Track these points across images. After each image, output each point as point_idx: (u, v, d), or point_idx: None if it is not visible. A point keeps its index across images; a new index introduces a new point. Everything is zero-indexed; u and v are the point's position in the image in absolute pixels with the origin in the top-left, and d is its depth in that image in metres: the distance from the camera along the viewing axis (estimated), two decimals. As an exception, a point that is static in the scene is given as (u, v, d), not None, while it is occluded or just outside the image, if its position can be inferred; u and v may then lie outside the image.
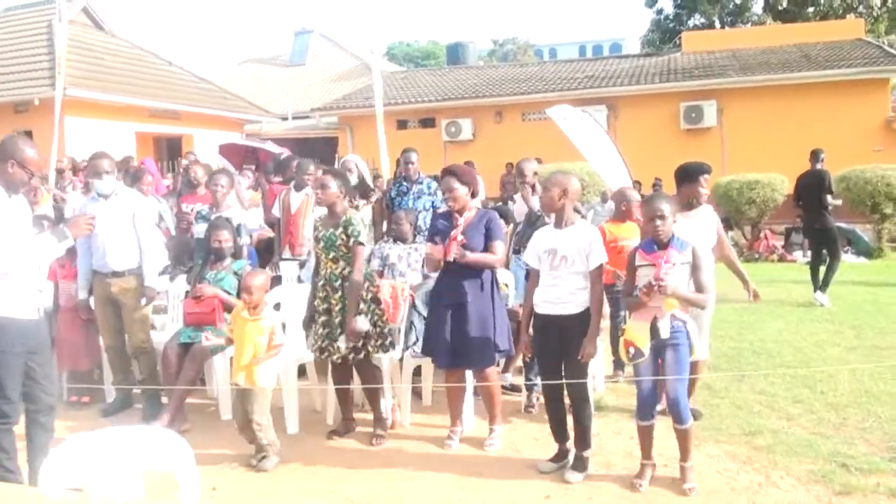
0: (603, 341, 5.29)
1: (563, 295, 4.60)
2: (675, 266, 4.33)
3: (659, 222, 4.36)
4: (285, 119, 25.06)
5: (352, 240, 5.16)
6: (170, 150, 21.37)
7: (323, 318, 5.23)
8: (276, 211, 7.70)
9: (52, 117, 12.58)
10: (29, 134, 11.28)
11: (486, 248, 5.00)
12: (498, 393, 5.29)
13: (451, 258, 4.87)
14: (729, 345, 7.68)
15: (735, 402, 5.86)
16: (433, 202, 7.61)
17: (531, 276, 4.87)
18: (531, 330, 5.09)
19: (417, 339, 5.73)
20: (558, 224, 4.74)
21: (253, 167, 10.63)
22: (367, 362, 5.30)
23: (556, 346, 4.65)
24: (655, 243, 4.43)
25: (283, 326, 5.71)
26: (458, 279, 4.99)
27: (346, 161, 7.71)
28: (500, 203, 14.82)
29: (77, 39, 18.63)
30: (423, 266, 6.36)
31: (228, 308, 5.89)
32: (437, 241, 5.04)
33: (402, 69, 35.69)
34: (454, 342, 5.00)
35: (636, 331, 4.39)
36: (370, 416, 5.47)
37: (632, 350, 4.40)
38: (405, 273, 6.52)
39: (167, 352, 5.69)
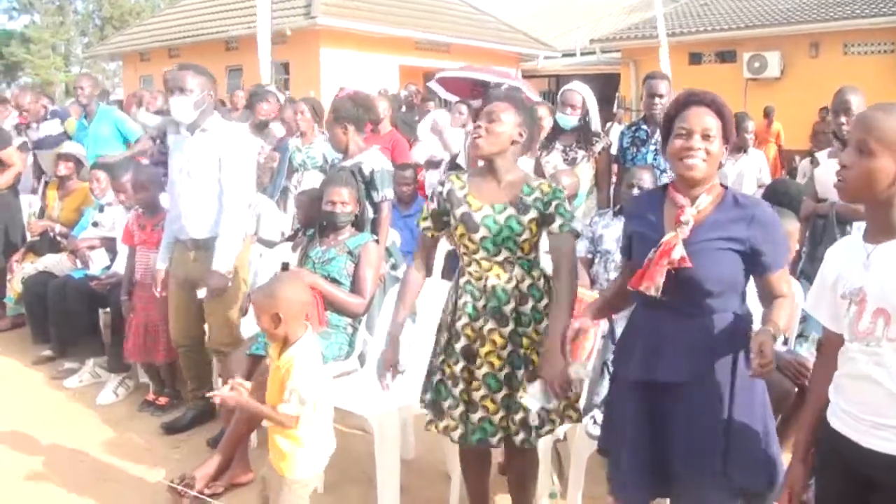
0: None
1: (885, 404, 1.96)
2: None
3: None
4: (571, 55, 22.62)
5: (557, 224, 2.86)
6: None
7: (464, 370, 2.94)
8: (461, 160, 5.58)
9: (308, 48, 11.48)
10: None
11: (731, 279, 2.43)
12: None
13: (649, 292, 2.41)
14: None
15: None
16: (683, 158, 5.05)
17: (822, 347, 2.30)
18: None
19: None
20: (876, 231, 2.06)
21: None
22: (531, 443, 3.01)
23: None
24: None
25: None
26: (670, 327, 2.46)
27: (568, 92, 5.33)
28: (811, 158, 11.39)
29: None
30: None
31: (335, 307, 3.92)
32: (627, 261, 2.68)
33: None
34: (658, 454, 2.49)
35: None
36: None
37: None
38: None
39: (230, 364, 3.84)
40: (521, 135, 2.93)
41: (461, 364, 2.92)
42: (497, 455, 3.30)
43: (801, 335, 4.10)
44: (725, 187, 2.51)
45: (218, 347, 4.14)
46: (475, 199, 2.92)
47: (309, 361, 2.77)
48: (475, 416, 2.90)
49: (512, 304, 2.88)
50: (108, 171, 5.40)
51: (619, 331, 3.49)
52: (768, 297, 2.41)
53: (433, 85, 9.51)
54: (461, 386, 2.92)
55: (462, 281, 2.99)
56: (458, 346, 2.95)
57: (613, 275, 4.33)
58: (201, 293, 3.97)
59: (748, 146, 6.32)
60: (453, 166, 6.33)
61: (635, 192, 4.31)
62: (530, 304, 2.88)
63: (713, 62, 18.33)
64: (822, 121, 15.29)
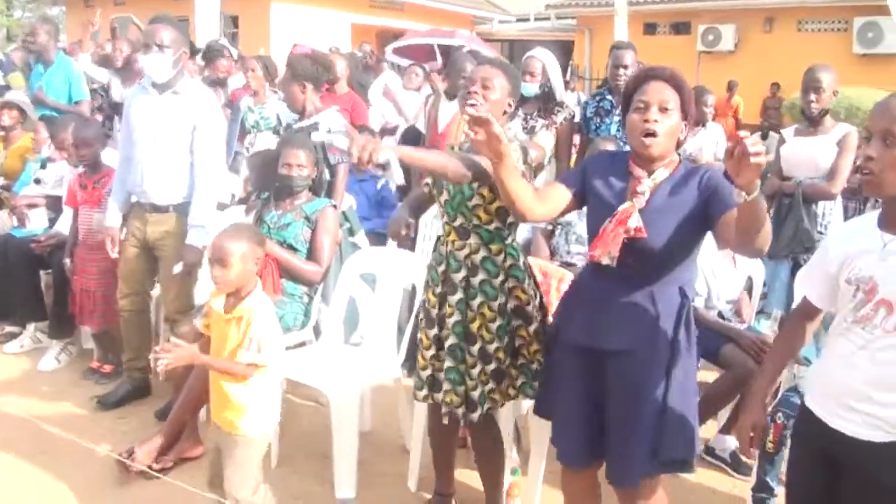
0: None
1: (880, 391, 1.93)
2: None
3: None
4: (524, 20, 22.41)
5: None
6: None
7: (449, 341, 2.83)
8: (421, 126, 5.43)
9: (259, 1, 11.08)
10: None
11: (690, 239, 2.42)
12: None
13: (603, 261, 2.38)
14: None
15: None
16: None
17: (794, 316, 2.34)
18: (781, 416, 2.95)
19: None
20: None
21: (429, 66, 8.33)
22: (491, 416, 2.97)
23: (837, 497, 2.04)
24: None
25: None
26: (617, 296, 2.44)
27: (529, 59, 5.19)
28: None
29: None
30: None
31: (291, 275, 3.79)
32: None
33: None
34: (592, 423, 2.48)
35: None
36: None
37: None
38: (584, 253, 4.06)
39: (180, 331, 3.63)
40: (510, 105, 2.84)
41: (427, 328, 2.88)
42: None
43: (761, 312, 4.11)
44: (681, 159, 2.49)
45: (173, 315, 3.96)
46: None
47: (267, 313, 2.68)
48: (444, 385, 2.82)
49: (462, 273, 2.79)
50: (49, 127, 5.13)
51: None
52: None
53: (391, 58, 9.27)
54: (432, 351, 2.86)
55: (438, 243, 2.92)
56: (424, 308, 2.93)
57: (575, 247, 4.27)
58: (177, 268, 3.79)
59: (707, 120, 6.29)
60: (411, 132, 6.19)
61: None
62: (480, 276, 2.78)
63: (667, 33, 18.37)
64: (773, 96, 15.48)
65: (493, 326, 2.76)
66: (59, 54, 6.45)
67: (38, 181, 5.08)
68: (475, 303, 2.77)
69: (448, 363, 2.81)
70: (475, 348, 2.77)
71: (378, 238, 5.07)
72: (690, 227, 2.36)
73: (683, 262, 2.43)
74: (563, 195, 2.51)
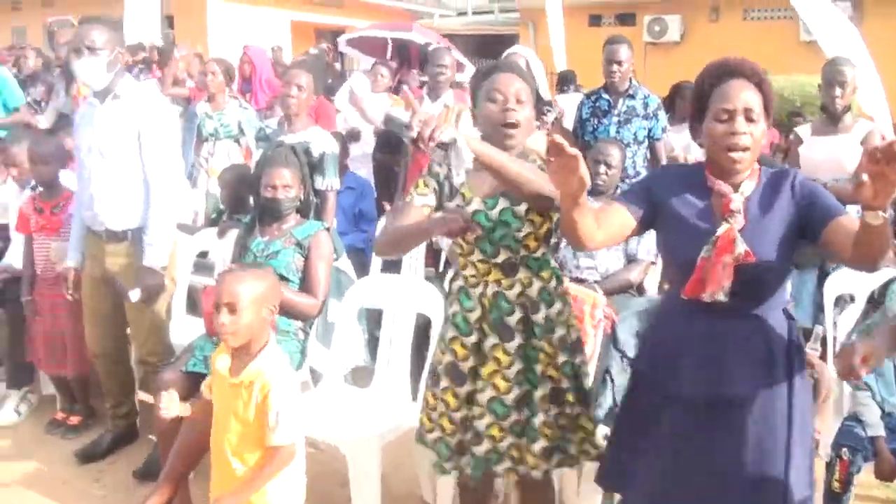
0: None
1: None
2: None
3: None
4: (464, 14, 22.12)
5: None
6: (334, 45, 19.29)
7: (487, 394, 2.42)
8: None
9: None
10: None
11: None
12: None
13: (718, 298, 2.03)
14: None
15: None
16: (651, 131, 4.71)
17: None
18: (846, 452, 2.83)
19: (615, 407, 2.96)
20: None
21: (395, 64, 7.92)
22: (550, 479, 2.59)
23: None
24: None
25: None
26: (726, 332, 2.09)
27: (512, 56, 4.84)
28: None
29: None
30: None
31: (285, 309, 3.35)
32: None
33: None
34: (697, 480, 2.09)
35: None
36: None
37: None
38: (596, 266, 3.74)
39: (163, 381, 3.18)
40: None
41: (456, 385, 2.45)
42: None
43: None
44: (760, 165, 2.16)
45: (146, 358, 3.50)
46: (468, 190, 2.44)
47: (286, 373, 2.31)
48: (480, 449, 2.44)
49: (518, 314, 2.41)
50: (-11, 144, 4.59)
51: (622, 336, 3.13)
52: (852, 236, 1.87)
53: (345, 49, 8.82)
54: (462, 412, 2.45)
55: (455, 286, 2.52)
56: (445, 361, 2.49)
57: (584, 260, 3.94)
58: (134, 295, 3.31)
59: (693, 115, 6.04)
60: (387, 139, 5.77)
61: (602, 168, 3.96)
62: (541, 312, 2.42)
63: (613, 25, 18.20)
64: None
65: (559, 362, 2.41)
66: None
67: (-22, 209, 4.51)
68: (539, 342, 2.41)
69: (488, 419, 2.42)
70: (539, 393, 2.40)
71: (356, 254, 4.67)
72: (789, 240, 2.05)
73: (784, 281, 2.14)
74: (626, 219, 2.14)
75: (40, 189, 3.83)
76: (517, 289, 2.40)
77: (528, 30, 19.22)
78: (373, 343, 4.61)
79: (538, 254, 2.43)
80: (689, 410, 2.10)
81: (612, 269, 3.86)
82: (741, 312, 2.06)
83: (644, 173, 4.74)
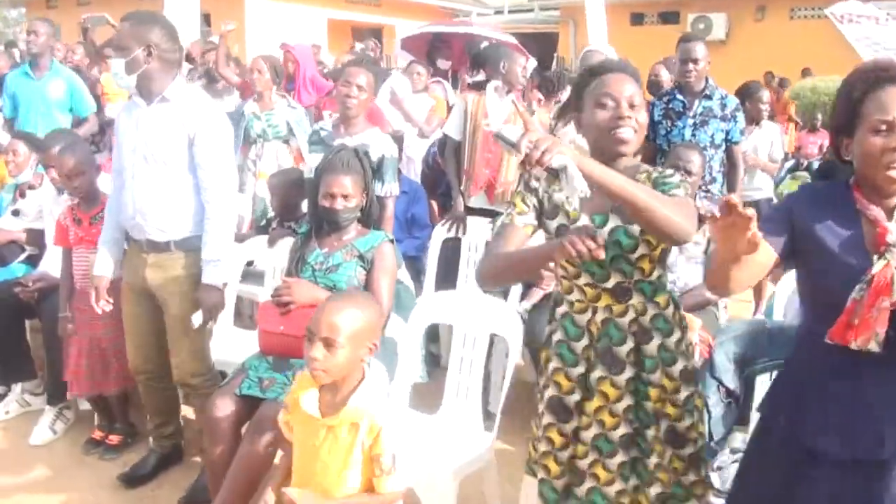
0: None
1: None
2: None
3: None
4: (500, 13, 21.85)
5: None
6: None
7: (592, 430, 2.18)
8: (451, 130, 4.73)
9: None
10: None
11: None
12: None
13: (871, 348, 1.72)
14: None
15: None
16: (729, 133, 4.40)
17: None
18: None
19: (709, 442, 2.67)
20: None
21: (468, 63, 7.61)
22: None
23: None
24: None
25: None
26: (874, 385, 1.80)
27: (591, 52, 4.54)
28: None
29: None
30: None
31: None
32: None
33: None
34: None
35: None
36: None
37: None
38: (675, 280, 3.43)
39: (214, 405, 2.93)
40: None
41: (561, 422, 2.21)
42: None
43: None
44: None
45: (188, 380, 3.24)
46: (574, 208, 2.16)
47: (392, 413, 2.08)
48: (581, 489, 2.17)
49: (629, 344, 2.13)
50: (31, 142, 4.36)
51: (719, 362, 2.84)
52: None
53: (399, 52, 8.53)
54: (568, 452, 2.20)
55: (559, 312, 2.24)
56: (547, 395, 2.23)
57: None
58: (196, 319, 3.04)
59: (762, 118, 5.73)
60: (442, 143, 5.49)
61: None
62: (655, 341, 2.14)
63: (655, 23, 17.91)
64: (767, 85, 15.00)
65: (680, 398, 2.13)
66: (53, 61, 5.69)
67: (16, 213, 4.29)
68: (653, 377, 2.13)
69: (592, 457, 2.16)
70: (651, 433, 2.13)
71: (410, 262, 4.40)
72: None
73: None
74: (769, 255, 1.80)
75: (78, 199, 3.59)
76: (630, 315, 2.13)
77: (568, 28, 18.97)
78: (428, 358, 4.39)
79: (653, 277, 2.14)
80: (845, 472, 1.82)
81: (690, 283, 3.56)
82: (886, 361, 1.75)
83: (720, 179, 4.44)
